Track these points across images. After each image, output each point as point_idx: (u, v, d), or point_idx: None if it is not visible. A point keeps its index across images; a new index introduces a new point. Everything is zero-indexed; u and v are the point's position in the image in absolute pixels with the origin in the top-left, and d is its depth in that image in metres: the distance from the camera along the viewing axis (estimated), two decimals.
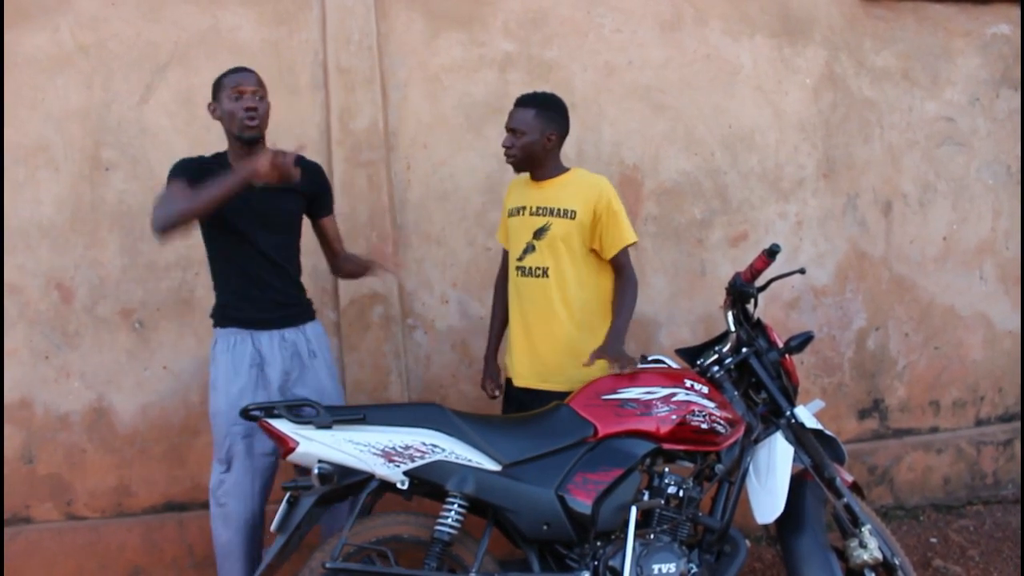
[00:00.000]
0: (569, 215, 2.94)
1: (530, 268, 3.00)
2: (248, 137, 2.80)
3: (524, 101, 3.00)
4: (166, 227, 2.62)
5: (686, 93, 3.93)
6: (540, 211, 2.99)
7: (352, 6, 3.58)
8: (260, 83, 2.84)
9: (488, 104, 3.74)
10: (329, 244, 3.16)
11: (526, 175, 3.10)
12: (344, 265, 3.20)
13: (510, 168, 3.70)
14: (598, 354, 2.79)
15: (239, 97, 2.78)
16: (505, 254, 3.21)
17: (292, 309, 2.97)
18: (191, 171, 2.76)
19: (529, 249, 3.00)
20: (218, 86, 2.82)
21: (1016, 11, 4.33)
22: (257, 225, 2.85)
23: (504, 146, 3.00)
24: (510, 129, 2.98)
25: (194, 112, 3.50)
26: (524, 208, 3.04)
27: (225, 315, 2.92)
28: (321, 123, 3.59)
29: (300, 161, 2.97)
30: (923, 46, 4.23)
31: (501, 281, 3.25)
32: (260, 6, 3.56)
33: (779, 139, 4.04)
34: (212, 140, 3.46)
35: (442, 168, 3.70)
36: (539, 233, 2.97)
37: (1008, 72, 4.35)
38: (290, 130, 3.54)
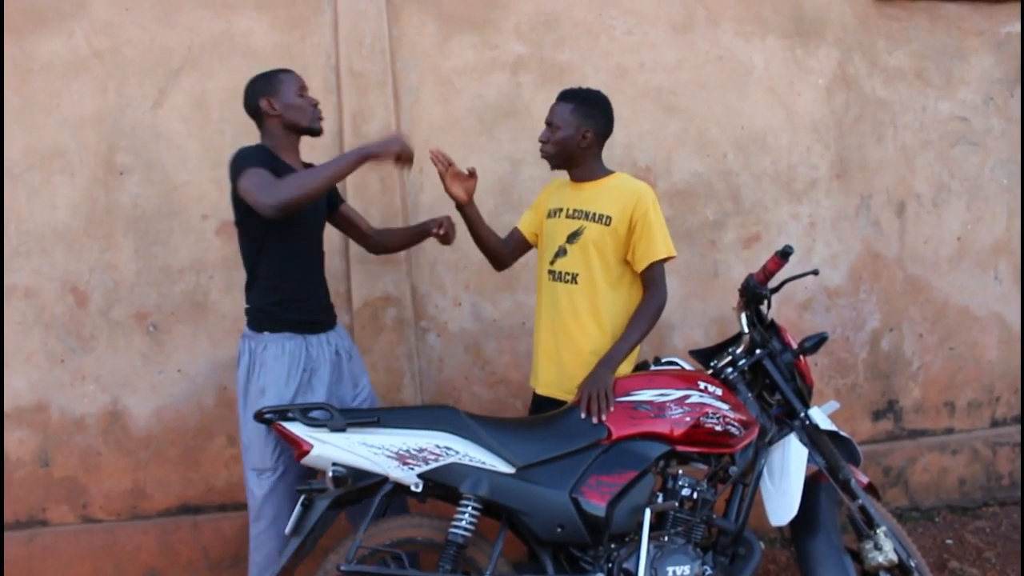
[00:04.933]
0: (604, 220, 2.83)
1: (560, 273, 2.91)
2: (318, 128, 2.92)
3: (565, 96, 2.92)
4: (290, 204, 2.58)
5: (698, 94, 3.92)
6: (575, 214, 2.89)
7: (364, 10, 3.59)
8: None
9: (500, 107, 3.74)
10: (358, 226, 3.18)
11: (567, 175, 3.01)
12: (387, 239, 3.22)
13: (523, 170, 3.73)
14: (579, 389, 2.75)
15: (303, 92, 2.90)
16: (513, 230, 3.15)
17: (331, 311, 3.02)
18: (264, 160, 2.77)
19: (561, 253, 2.91)
20: (274, 82, 2.88)
21: None
22: (318, 222, 2.93)
23: (540, 140, 2.92)
24: (547, 123, 2.91)
25: (208, 116, 3.52)
26: (561, 210, 2.95)
27: (277, 318, 2.84)
28: (334, 126, 3.60)
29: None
30: (936, 46, 4.21)
31: (500, 238, 3.15)
32: (273, 10, 3.58)
33: (792, 140, 4.03)
34: (226, 143, 3.49)
35: None
36: (572, 237, 2.87)
37: (1022, 71, 4.32)
38: None
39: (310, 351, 2.86)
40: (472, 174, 2.98)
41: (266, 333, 2.84)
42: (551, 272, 2.95)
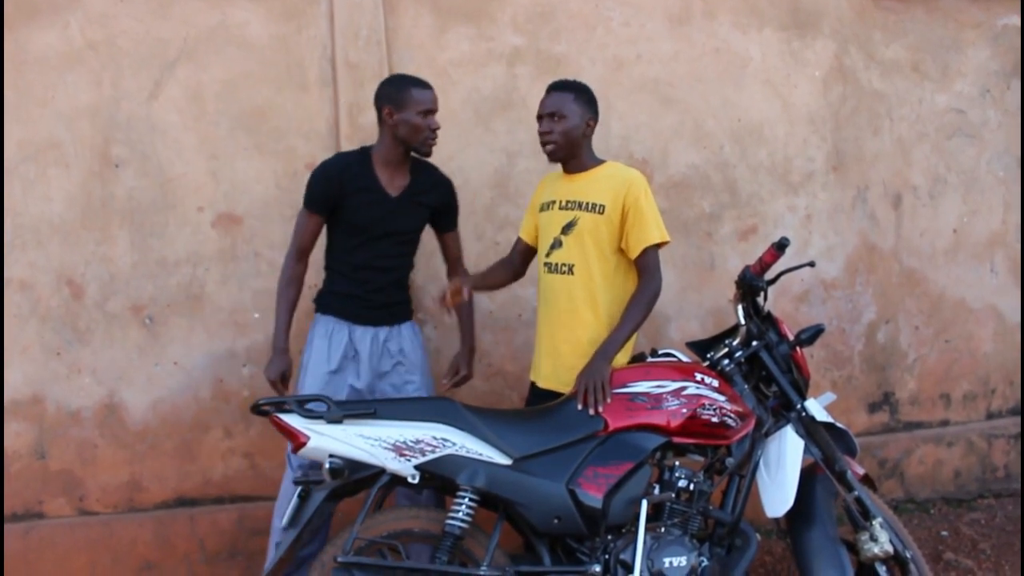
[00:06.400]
0: (597, 210, 2.83)
1: (556, 265, 2.91)
2: (427, 151, 3.01)
3: (560, 86, 2.93)
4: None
5: (695, 87, 3.92)
6: (568, 205, 2.89)
7: (360, 1, 3.58)
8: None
9: (496, 99, 3.73)
10: (447, 258, 3.31)
11: (559, 170, 3.01)
12: None
13: (519, 162, 3.73)
14: (576, 380, 2.75)
15: (427, 115, 2.96)
16: (516, 242, 3.17)
17: (392, 309, 3.09)
18: (324, 194, 2.99)
19: (556, 245, 2.91)
20: (403, 95, 2.95)
21: None
22: (384, 235, 3.00)
23: (542, 132, 2.90)
24: (547, 115, 2.89)
25: (203, 108, 3.51)
26: (554, 202, 2.95)
27: (328, 303, 3.09)
28: (330, 118, 3.59)
29: (435, 174, 3.15)
30: (933, 38, 4.21)
31: (501, 263, 3.21)
32: (268, 2, 3.56)
33: (788, 132, 4.03)
34: (221, 135, 3.48)
35: (451, 163, 3.69)
36: (567, 228, 2.87)
37: (1019, 63, 4.32)
38: (300, 126, 3.55)
39: (353, 339, 3.01)
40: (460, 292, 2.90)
41: (318, 314, 3.11)
42: (547, 264, 2.96)
